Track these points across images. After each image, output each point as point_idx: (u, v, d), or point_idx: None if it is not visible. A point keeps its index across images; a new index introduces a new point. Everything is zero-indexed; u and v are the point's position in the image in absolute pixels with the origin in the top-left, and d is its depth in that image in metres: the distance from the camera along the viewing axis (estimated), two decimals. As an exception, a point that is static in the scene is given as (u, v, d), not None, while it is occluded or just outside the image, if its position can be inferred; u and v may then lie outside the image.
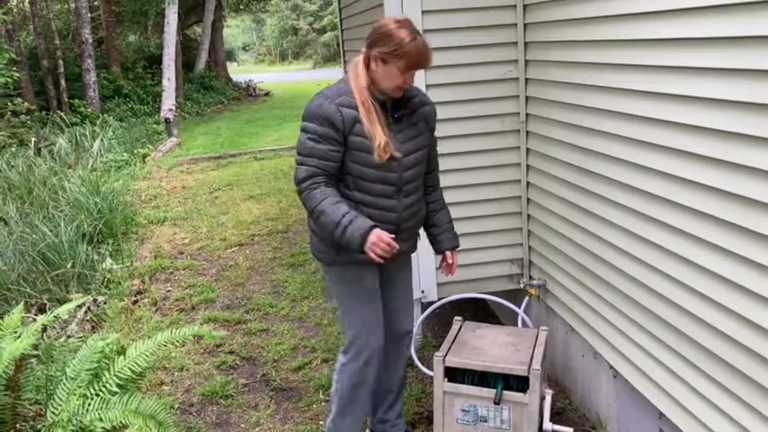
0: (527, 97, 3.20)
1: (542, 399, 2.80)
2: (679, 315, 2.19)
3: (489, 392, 2.74)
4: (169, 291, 4.98)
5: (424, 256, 3.24)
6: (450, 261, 2.68)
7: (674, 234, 2.16)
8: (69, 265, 4.91)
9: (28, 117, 11.00)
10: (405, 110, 2.41)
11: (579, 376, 3.11)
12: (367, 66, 2.31)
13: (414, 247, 2.67)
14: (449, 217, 2.71)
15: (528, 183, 3.31)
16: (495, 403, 2.72)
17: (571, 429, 2.79)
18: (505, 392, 2.73)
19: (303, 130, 2.34)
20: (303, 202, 2.35)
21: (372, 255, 2.25)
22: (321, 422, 3.14)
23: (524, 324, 3.40)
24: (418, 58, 2.26)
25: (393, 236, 2.32)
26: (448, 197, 3.31)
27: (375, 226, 2.27)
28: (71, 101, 13.71)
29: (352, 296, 2.55)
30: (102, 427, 2.47)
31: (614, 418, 2.80)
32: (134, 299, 4.82)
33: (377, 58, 2.27)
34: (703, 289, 2.05)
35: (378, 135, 2.29)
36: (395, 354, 2.77)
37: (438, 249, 2.70)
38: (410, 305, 2.79)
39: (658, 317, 2.31)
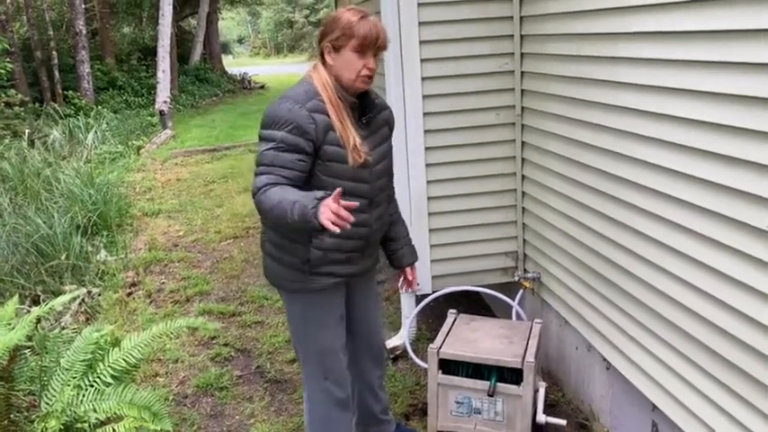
0: (522, 90, 3.19)
1: (536, 391, 2.81)
2: (673, 308, 2.20)
3: (483, 384, 2.75)
4: (164, 283, 4.97)
5: (418, 248, 3.24)
6: (410, 277, 2.57)
7: (668, 227, 2.17)
8: (63, 257, 4.89)
9: (21, 108, 10.94)
10: (371, 114, 2.24)
11: (573, 369, 3.13)
12: (324, 63, 2.15)
13: (377, 260, 2.49)
14: (407, 230, 2.58)
15: (523, 176, 3.31)
16: (489, 395, 2.72)
17: (564, 421, 2.80)
18: (499, 385, 2.73)
19: (266, 138, 2.07)
20: (259, 210, 2.03)
21: (329, 224, 1.83)
22: (315, 414, 3.15)
23: (518, 317, 3.41)
24: (369, 34, 2.06)
25: (359, 253, 2.28)
26: (443, 190, 3.33)
27: (324, 197, 1.92)
28: (65, 92, 13.65)
29: (317, 325, 2.33)
30: (97, 418, 2.47)
31: (607, 411, 2.81)
32: (128, 291, 4.81)
33: (330, 50, 2.11)
34: (698, 282, 2.06)
35: (350, 135, 2.10)
36: (374, 364, 2.66)
37: (398, 264, 2.55)
38: (381, 317, 2.74)
39: (652, 310, 2.32)
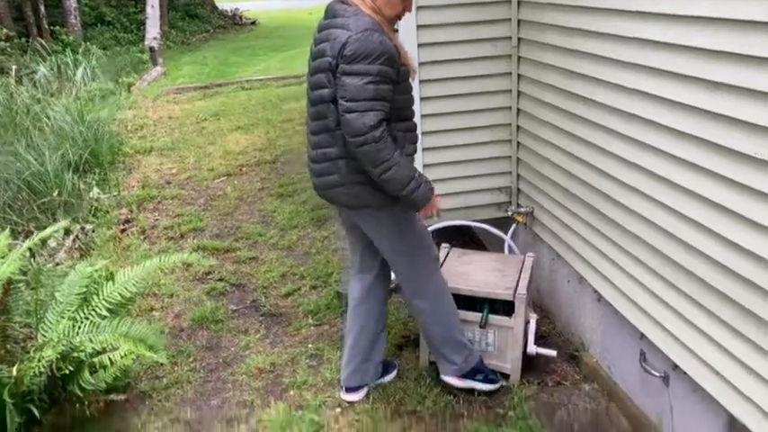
0: (519, 20, 3.11)
1: (527, 323, 2.85)
2: (662, 237, 2.21)
3: (475, 316, 2.79)
4: (157, 220, 4.96)
5: (412, 183, 3.22)
6: None
7: (658, 156, 2.16)
8: (55, 194, 4.87)
9: (8, 44, 10.68)
10: None
11: (564, 302, 3.16)
12: None
13: None
14: None
15: (518, 110, 3.26)
16: (481, 327, 2.76)
17: (555, 352, 2.85)
18: (491, 317, 2.77)
19: (360, 73, 2.15)
20: (371, 152, 2.17)
21: (426, 212, 2.42)
22: (310, 345, 3.20)
23: (511, 251, 3.43)
24: None
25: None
26: (437, 124, 3.29)
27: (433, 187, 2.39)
28: (51, 28, 13.29)
29: (415, 229, 2.54)
30: (93, 348, 2.50)
31: (597, 341, 2.86)
32: (122, 227, 4.81)
33: None
34: (687, 211, 2.06)
35: (406, 54, 2.31)
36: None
37: None
38: None
39: (642, 240, 2.32)
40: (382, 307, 2.77)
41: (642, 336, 2.43)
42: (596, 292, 2.76)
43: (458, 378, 2.70)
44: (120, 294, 2.83)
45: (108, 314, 2.78)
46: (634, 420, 2.53)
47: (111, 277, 2.92)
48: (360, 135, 2.16)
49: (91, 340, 2.56)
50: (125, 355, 2.57)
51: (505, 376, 2.82)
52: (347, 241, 2.80)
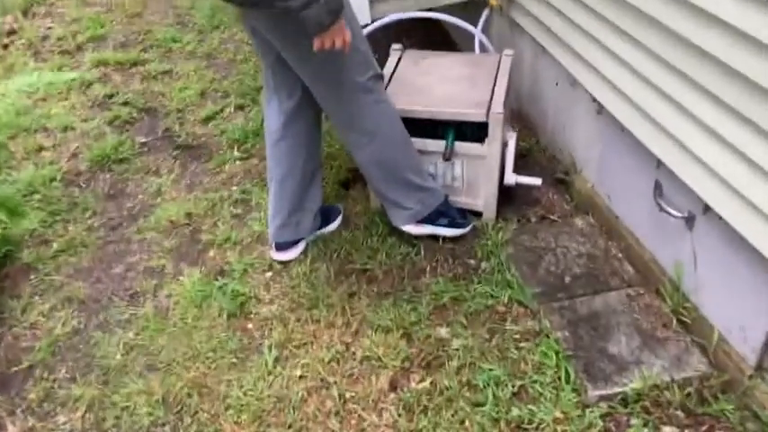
0: None
1: (504, 145, 2.20)
2: (698, 20, 1.48)
3: (437, 146, 2.13)
4: (50, 28, 4.04)
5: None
6: None
7: None
8: None
9: None
10: None
11: (551, 110, 2.49)
12: None
13: None
14: None
15: None
16: (446, 159, 2.12)
17: (539, 180, 2.24)
18: (458, 144, 2.11)
19: None
20: None
21: (326, 42, 1.62)
22: (234, 187, 2.57)
23: (483, 48, 2.66)
24: None
25: None
26: None
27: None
28: None
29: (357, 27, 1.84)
30: None
31: (594, 162, 2.24)
32: (5, 42, 3.90)
33: None
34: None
35: None
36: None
37: None
38: None
39: (664, 26, 1.60)
40: (313, 140, 2.09)
41: (659, 163, 1.80)
42: (595, 100, 2.07)
43: (415, 224, 2.12)
44: (-43, 148, 2.11)
45: (-52, 175, 2.09)
46: (642, 267, 1.98)
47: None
48: None
49: None
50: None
51: (478, 215, 2.24)
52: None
